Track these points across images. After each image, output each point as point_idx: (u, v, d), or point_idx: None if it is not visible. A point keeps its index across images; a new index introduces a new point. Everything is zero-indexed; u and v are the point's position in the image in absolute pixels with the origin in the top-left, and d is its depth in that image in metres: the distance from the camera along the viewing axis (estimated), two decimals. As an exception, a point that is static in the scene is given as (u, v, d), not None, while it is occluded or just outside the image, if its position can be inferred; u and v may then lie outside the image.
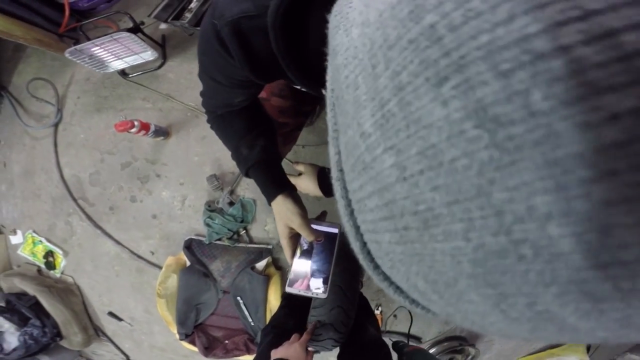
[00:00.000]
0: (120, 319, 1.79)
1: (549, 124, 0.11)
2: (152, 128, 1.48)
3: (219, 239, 1.51)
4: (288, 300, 1.11)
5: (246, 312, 1.45)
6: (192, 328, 1.50)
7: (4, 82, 1.90)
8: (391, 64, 0.15)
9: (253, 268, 1.45)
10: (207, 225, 1.50)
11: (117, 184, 1.68)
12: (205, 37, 0.50)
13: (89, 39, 1.40)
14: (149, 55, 1.51)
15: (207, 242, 1.50)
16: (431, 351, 1.49)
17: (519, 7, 0.12)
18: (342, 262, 0.92)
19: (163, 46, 1.61)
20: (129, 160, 1.66)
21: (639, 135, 0.10)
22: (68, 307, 1.74)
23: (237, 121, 0.70)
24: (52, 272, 1.83)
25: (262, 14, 0.42)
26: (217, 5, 0.46)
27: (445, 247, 0.14)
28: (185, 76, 1.59)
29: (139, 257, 1.68)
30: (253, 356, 1.11)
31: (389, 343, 1.17)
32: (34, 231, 1.85)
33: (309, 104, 0.87)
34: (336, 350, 0.96)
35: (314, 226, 0.71)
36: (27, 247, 1.85)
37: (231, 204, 1.49)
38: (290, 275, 0.71)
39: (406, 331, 1.38)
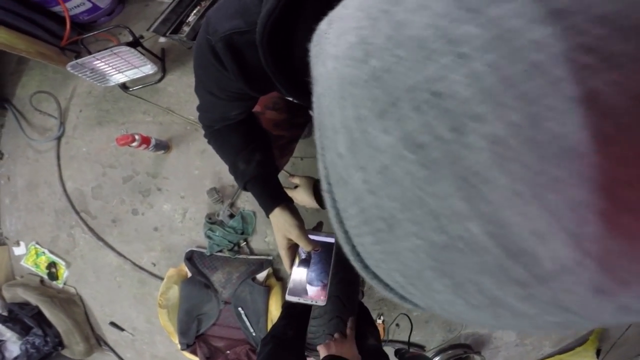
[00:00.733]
0: (122, 329, 1.80)
1: (452, 149, 0.14)
2: (153, 142, 1.50)
3: (220, 251, 1.52)
4: (288, 310, 1.12)
5: (247, 323, 1.46)
6: (194, 338, 1.51)
7: (8, 95, 1.92)
8: (354, 99, 0.18)
9: (254, 279, 1.46)
10: (208, 237, 1.51)
11: (119, 197, 1.70)
12: (200, 52, 0.52)
13: (90, 53, 1.42)
14: (148, 68, 1.53)
15: (208, 254, 1.52)
16: (435, 359, 1.49)
17: (423, 53, 0.15)
18: (340, 273, 0.93)
19: (162, 60, 1.63)
20: (130, 174, 1.68)
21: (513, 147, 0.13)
22: (70, 317, 1.75)
23: (233, 136, 0.72)
24: (54, 282, 1.84)
25: (252, 29, 0.44)
26: (209, 21, 0.49)
27: (407, 244, 0.17)
28: (184, 89, 1.61)
29: (141, 268, 1.69)
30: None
31: (392, 352, 1.17)
32: (37, 243, 1.86)
33: (302, 116, 0.89)
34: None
35: (311, 236, 0.73)
36: (30, 258, 1.86)
37: (231, 216, 1.51)
38: (290, 285, 0.73)
39: (410, 339, 1.38)
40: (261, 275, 1.47)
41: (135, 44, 1.43)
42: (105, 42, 1.71)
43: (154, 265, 1.68)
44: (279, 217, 0.71)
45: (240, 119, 0.70)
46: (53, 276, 1.83)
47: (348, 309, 0.96)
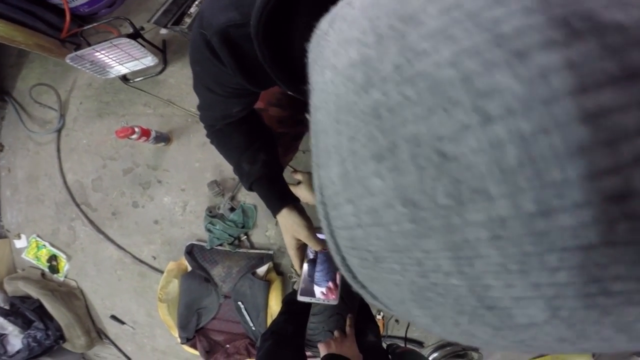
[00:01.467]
0: (122, 323, 1.81)
1: (447, 215, 0.13)
2: (153, 134, 1.48)
3: (220, 245, 1.51)
4: (288, 305, 1.11)
5: (247, 317, 1.45)
6: (194, 332, 1.51)
7: (8, 88, 1.91)
8: (349, 128, 0.16)
9: (254, 273, 1.45)
10: (209, 230, 1.50)
11: (119, 190, 1.69)
12: (196, 46, 0.49)
13: (90, 45, 1.41)
14: (149, 60, 1.51)
15: (208, 248, 1.51)
16: (433, 356, 1.48)
17: (437, 101, 0.13)
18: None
19: (164, 51, 1.61)
20: (130, 166, 1.67)
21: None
22: (71, 311, 1.76)
23: (236, 135, 0.70)
24: (55, 275, 1.85)
25: (248, 22, 0.41)
26: (203, 14, 0.46)
27: (390, 277, 0.17)
28: (185, 81, 1.59)
29: (141, 261, 1.69)
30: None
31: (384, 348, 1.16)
32: (38, 235, 1.86)
33: (307, 112, 0.86)
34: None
35: (320, 236, 0.72)
36: (31, 251, 1.87)
37: (232, 209, 1.50)
38: (302, 285, 0.72)
39: (409, 335, 1.37)
40: (261, 270, 1.46)
41: (135, 35, 1.41)
42: (106, 34, 1.69)
43: (154, 258, 1.68)
44: (287, 218, 0.69)
45: (241, 116, 0.68)
46: (54, 269, 1.83)
47: (348, 305, 0.95)
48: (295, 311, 1.05)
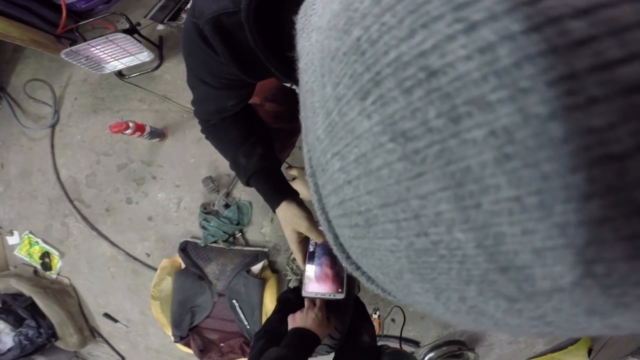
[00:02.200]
0: (115, 321, 1.79)
1: (443, 139, 0.12)
2: (148, 130, 1.47)
3: (215, 242, 1.50)
4: (282, 304, 1.10)
5: (242, 315, 1.44)
6: (187, 330, 1.49)
7: (2, 83, 1.90)
8: (332, 75, 0.16)
9: (249, 271, 1.44)
10: (203, 227, 1.49)
11: (113, 186, 1.68)
12: (188, 37, 0.48)
13: (85, 40, 1.40)
14: (145, 56, 1.50)
15: (202, 245, 1.50)
16: (429, 355, 1.48)
17: (418, 20, 0.12)
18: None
19: (160, 47, 1.60)
20: (125, 162, 1.66)
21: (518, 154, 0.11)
22: (64, 308, 1.74)
23: (232, 129, 0.69)
24: (48, 273, 1.83)
25: (240, 10, 0.41)
26: (195, 3, 0.45)
27: (385, 243, 0.16)
28: (181, 77, 1.58)
29: (135, 259, 1.67)
30: None
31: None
32: (31, 232, 1.85)
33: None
34: (330, 356, 0.95)
35: (322, 228, 0.70)
36: (24, 248, 1.85)
37: (227, 206, 1.48)
38: (305, 280, 0.70)
39: (404, 335, 1.36)
40: (256, 268, 1.45)
41: (131, 31, 1.40)
42: (102, 29, 1.68)
43: (148, 255, 1.66)
44: (287, 211, 0.68)
45: (237, 110, 0.67)
46: (47, 266, 1.81)
47: (344, 305, 0.94)
48: (290, 310, 1.04)
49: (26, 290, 1.72)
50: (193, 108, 0.67)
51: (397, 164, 0.13)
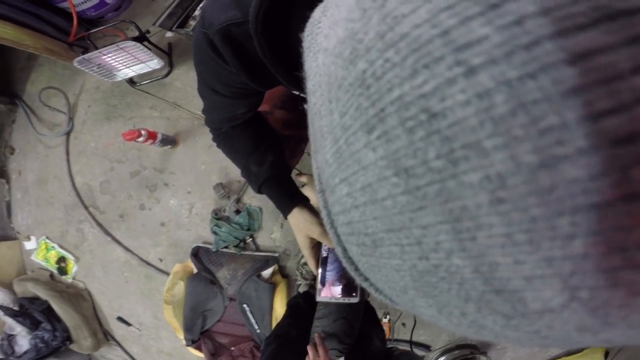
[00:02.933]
0: (129, 324, 1.82)
1: (442, 179, 0.12)
2: (159, 137, 1.49)
3: (226, 247, 1.51)
4: (292, 309, 1.11)
5: (252, 320, 1.45)
6: (199, 334, 1.51)
7: (18, 91, 1.94)
8: (339, 104, 0.16)
9: (259, 276, 1.45)
10: (214, 233, 1.51)
11: (127, 192, 1.70)
12: (199, 47, 0.49)
13: (97, 48, 1.42)
14: (155, 63, 1.52)
15: (214, 250, 1.51)
16: (441, 359, 1.46)
17: (420, 60, 0.12)
18: (346, 273, 0.91)
19: (169, 54, 1.62)
20: (137, 169, 1.68)
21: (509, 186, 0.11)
22: (78, 312, 1.77)
23: (242, 137, 0.69)
24: (64, 277, 1.87)
25: (249, 19, 0.41)
26: (204, 14, 0.46)
27: (390, 263, 0.17)
28: (191, 84, 1.60)
29: (148, 263, 1.69)
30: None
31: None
32: (47, 237, 1.89)
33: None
34: (340, 362, 0.94)
35: None
36: (41, 252, 1.89)
37: (238, 212, 1.50)
38: (319, 285, 0.70)
39: (415, 339, 1.36)
40: (266, 273, 1.46)
41: (141, 38, 1.42)
42: (112, 37, 1.70)
43: (161, 260, 1.69)
44: (299, 217, 0.69)
45: (247, 118, 0.67)
46: (62, 271, 1.85)
47: (354, 310, 0.94)
48: (300, 315, 1.05)
49: (43, 294, 1.75)
50: (204, 116, 0.68)
51: (400, 197, 0.14)
